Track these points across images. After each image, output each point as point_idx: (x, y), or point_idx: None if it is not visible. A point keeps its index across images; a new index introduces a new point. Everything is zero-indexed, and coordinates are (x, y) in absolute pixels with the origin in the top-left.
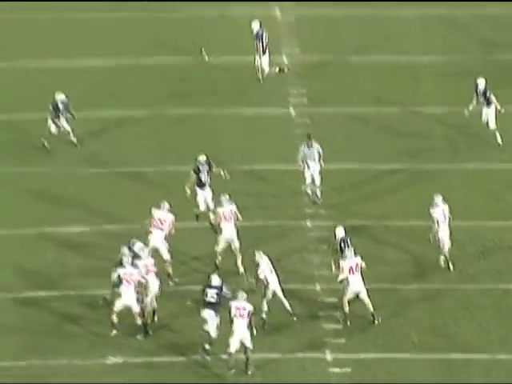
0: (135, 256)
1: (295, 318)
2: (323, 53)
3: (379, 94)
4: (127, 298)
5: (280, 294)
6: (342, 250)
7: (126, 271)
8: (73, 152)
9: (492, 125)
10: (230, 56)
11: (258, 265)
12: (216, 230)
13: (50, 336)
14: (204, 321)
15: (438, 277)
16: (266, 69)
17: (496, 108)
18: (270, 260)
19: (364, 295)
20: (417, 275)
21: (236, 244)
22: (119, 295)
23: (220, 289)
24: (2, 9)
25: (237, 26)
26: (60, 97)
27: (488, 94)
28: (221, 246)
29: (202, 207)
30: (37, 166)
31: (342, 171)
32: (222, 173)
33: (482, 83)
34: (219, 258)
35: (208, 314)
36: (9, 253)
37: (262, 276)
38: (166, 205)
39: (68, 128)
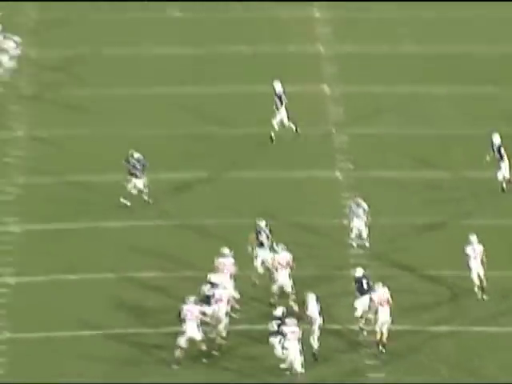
0: (213, 286)
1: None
2: (366, 126)
3: (415, 160)
4: (190, 331)
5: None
6: (360, 290)
7: (189, 308)
8: (148, 208)
9: (506, 176)
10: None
11: (307, 305)
12: (272, 274)
13: (131, 365)
14: (273, 346)
15: (467, 320)
16: (286, 123)
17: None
18: (318, 302)
19: (387, 327)
20: (448, 318)
21: (289, 289)
22: (182, 332)
23: (282, 319)
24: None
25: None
26: (136, 156)
27: (502, 150)
28: (275, 289)
29: (260, 270)
30: (117, 221)
31: (384, 226)
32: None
33: (497, 139)
34: (275, 297)
35: (274, 340)
36: (94, 295)
37: (310, 315)
38: (227, 251)
39: (142, 187)
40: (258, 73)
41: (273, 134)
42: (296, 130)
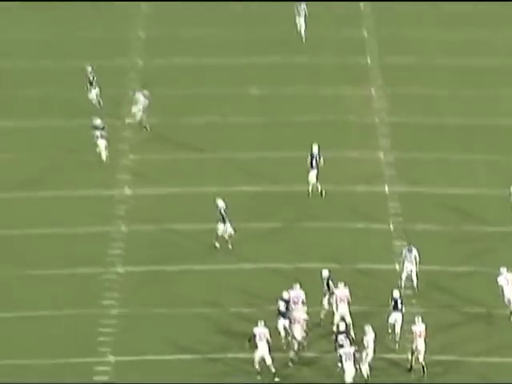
0: (286, 302)
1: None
2: (416, 186)
3: (458, 215)
4: (261, 350)
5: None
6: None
7: (260, 330)
8: (231, 253)
9: None
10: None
11: (366, 334)
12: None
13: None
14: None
15: (498, 353)
16: (313, 180)
17: None
18: (375, 333)
19: (422, 355)
20: (483, 351)
21: (348, 319)
22: (256, 348)
23: (346, 333)
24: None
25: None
26: (221, 204)
27: None
28: (336, 320)
29: (326, 306)
30: (205, 264)
31: (430, 271)
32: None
33: None
34: (337, 326)
35: (343, 352)
36: (187, 325)
37: (366, 343)
38: (297, 286)
39: (229, 233)
40: (323, 139)
41: (310, 191)
42: (321, 193)
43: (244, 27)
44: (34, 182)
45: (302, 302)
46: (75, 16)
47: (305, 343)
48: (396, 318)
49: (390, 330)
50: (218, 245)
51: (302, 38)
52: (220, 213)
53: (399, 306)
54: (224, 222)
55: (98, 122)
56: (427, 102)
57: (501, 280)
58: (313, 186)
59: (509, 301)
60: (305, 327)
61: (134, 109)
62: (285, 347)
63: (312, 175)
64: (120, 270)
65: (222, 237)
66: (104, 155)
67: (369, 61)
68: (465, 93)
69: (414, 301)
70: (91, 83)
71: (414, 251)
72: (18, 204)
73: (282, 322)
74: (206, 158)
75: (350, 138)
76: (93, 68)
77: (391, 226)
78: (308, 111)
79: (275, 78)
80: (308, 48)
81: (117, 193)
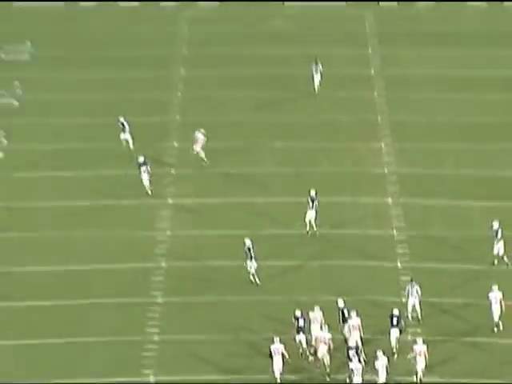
0: (298, 319)
1: None
2: (422, 228)
3: (459, 255)
4: (276, 364)
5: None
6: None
7: (275, 346)
8: (258, 287)
9: None
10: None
11: (377, 359)
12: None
13: None
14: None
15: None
16: (309, 220)
17: None
18: (385, 357)
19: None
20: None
21: (359, 344)
22: (272, 361)
23: (357, 349)
24: None
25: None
26: (248, 243)
27: None
28: (351, 344)
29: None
30: (235, 295)
31: (433, 303)
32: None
33: None
34: (350, 352)
35: (353, 366)
36: (206, 353)
37: (377, 367)
38: (317, 308)
39: (254, 270)
40: (338, 187)
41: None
42: (315, 233)
43: (263, 88)
44: (86, 222)
45: (322, 322)
46: (123, 79)
47: (328, 362)
48: (395, 332)
49: (392, 344)
50: (252, 279)
51: (315, 94)
52: (247, 251)
53: (396, 322)
54: (251, 259)
55: (141, 159)
56: (429, 155)
57: (491, 296)
58: (310, 225)
59: (494, 315)
60: (331, 345)
61: (196, 147)
62: (301, 357)
63: (308, 216)
64: (160, 300)
65: (250, 272)
66: (148, 188)
67: (379, 118)
68: (463, 147)
69: (418, 330)
70: (123, 129)
71: (416, 286)
72: (75, 242)
73: (299, 337)
74: (232, 202)
75: (362, 185)
76: (124, 118)
77: (399, 264)
78: (323, 163)
79: (297, 133)
80: (324, 107)
81: (158, 233)
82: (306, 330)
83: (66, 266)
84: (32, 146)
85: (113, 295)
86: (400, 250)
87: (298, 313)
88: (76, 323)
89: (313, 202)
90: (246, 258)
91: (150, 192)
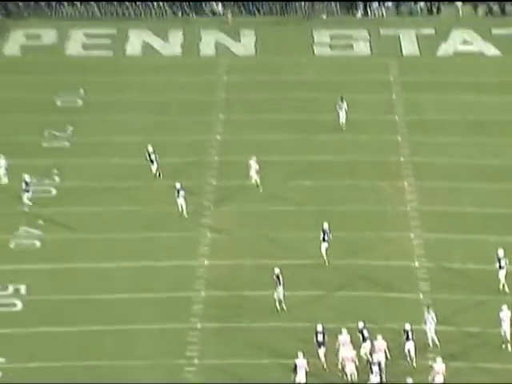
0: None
1: None
2: (439, 260)
3: (475, 285)
4: (300, 377)
5: None
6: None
7: (299, 361)
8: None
9: None
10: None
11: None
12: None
13: None
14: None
15: None
16: (324, 251)
17: None
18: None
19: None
20: None
21: (382, 365)
22: (296, 375)
23: (380, 366)
24: None
25: None
26: (276, 270)
27: None
28: (374, 370)
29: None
30: (264, 322)
31: (448, 331)
32: None
33: None
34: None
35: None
36: (244, 375)
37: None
38: (345, 331)
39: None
40: (363, 223)
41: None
42: (328, 262)
43: (294, 131)
44: (129, 253)
45: (350, 343)
46: (166, 122)
47: (356, 378)
48: (409, 346)
49: (408, 358)
50: (278, 306)
51: (342, 129)
52: (276, 279)
53: (410, 336)
54: (279, 286)
55: (178, 185)
56: (449, 193)
57: (502, 315)
58: (326, 256)
59: (504, 332)
60: (357, 363)
61: (252, 173)
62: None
63: (323, 247)
64: (199, 325)
65: (278, 299)
66: (184, 211)
67: (402, 159)
68: (480, 186)
69: (434, 355)
70: (151, 160)
71: (432, 313)
72: (119, 272)
73: (322, 351)
74: (264, 235)
75: (386, 221)
76: (153, 148)
77: (420, 295)
78: (350, 201)
79: (325, 172)
80: (350, 148)
81: (197, 263)
82: (326, 343)
83: (111, 295)
84: (82, 184)
85: (156, 321)
86: (421, 281)
87: (319, 327)
88: (122, 348)
89: (325, 235)
90: (275, 285)
91: (185, 215)
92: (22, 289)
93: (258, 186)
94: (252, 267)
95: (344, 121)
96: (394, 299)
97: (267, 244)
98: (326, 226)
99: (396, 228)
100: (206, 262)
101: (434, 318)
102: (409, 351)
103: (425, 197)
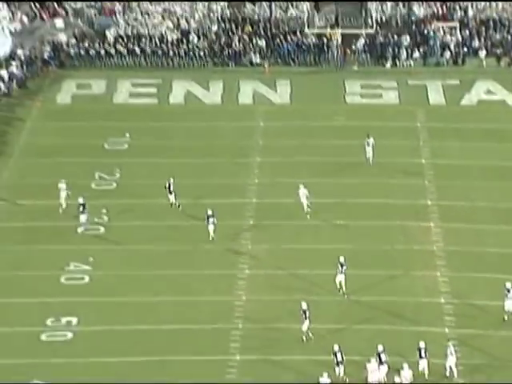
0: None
1: None
2: (463, 297)
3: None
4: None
5: None
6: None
7: (323, 380)
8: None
9: None
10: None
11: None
12: None
13: None
14: None
15: None
16: (339, 282)
17: None
18: None
19: None
20: None
21: None
22: None
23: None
24: None
25: None
26: (303, 305)
27: None
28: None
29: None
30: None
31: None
32: None
33: None
34: None
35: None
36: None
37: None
38: (373, 360)
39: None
40: (392, 262)
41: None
42: (344, 293)
43: (325, 174)
44: (173, 288)
45: (378, 371)
46: (207, 165)
47: None
48: (423, 364)
49: (425, 376)
50: (305, 338)
51: (370, 165)
52: (303, 313)
53: (423, 354)
54: (306, 319)
55: (209, 212)
56: (473, 235)
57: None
58: (340, 287)
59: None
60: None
61: (302, 199)
62: None
63: (338, 278)
64: (238, 357)
65: (304, 331)
66: (211, 236)
67: (429, 202)
68: (503, 228)
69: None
70: (170, 191)
71: (451, 347)
72: (163, 305)
73: (338, 369)
74: (296, 273)
75: (413, 260)
76: (174, 179)
77: (446, 330)
78: (379, 240)
79: (355, 212)
80: (379, 191)
81: (236, 298)
82: (343, 362)
83: (156, 326)
84: (129, 224)
85: (197, 352)
86: (447, 317)
87: (336, 347)
88: (164, 378)
89: (342, 267)
90: (302, 318)
91: (213, 239)
92: (74, 321)
93: (307, 213)
94: (285, 302)
95: (370, 156)
96: (419, 333)
97: (299, 280)
98: (342, 259)
99: (422, 266)
100: (244, 297)
101: (453, 352)
102: (423, 369)
103: (450, 237)
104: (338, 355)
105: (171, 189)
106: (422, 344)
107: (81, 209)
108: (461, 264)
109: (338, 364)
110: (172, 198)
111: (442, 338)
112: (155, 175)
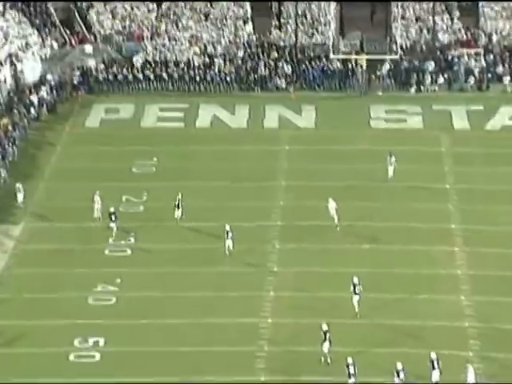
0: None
1: None
2: (488, 321)
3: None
4: None
5: None
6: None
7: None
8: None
9: None
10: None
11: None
12: None
13: None
14: None
15: None
16: (355, 304)
17: None
18: None
19: None
20: None
21: None
22: None
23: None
24: None
25: None
26: (324, 327)
27: None
28: None
29: None
30: None
31: None
32: None
33: None
34: None
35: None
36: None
37: None
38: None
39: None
40: (416, 285)
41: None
42: (357, 314)
43: (349, 198)
44: (198, 311)
45: None
46: (233, 188)
47: None
48: (435, 376)
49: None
50: (323, 359)
51: (392, 181)
52: (324, 334)
53: (436, 365)
54: (326, 341)
55: (228, 227)
56: (497, 259)
57: None
58: (358, 308)
59: None
60: None
61: (332, 211)
62: None
63: (355, 300)
64: (263, 378)
65: (324, 352)
66: (228, 250)
67: (453, 226)
68: None
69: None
70: (178, 206)
71: (471, 369)
72: (189, 328)
73: (350, 381)
74: (319, 296)
75: (437, 284)
76: (182, 195)
77: (471, 353)
78: (404, 264)
79: (379, 237)
80: (404, 216)
81: (261, 321)
82: (356, 375)
83: (182, 348)
84: (156, 246)
85: (222, 374)
86: (471, 341)
87: (349, 360)
88: None
89: (355, 287)
90: (323, 340)
91: (228, 253)
92: (101, 341)
93: (337, 225)
94: (309, 324)
95: (392, 174)
96: (442, 356)
97: (323, 303)
98: (355, 279)
99: (447, 291)
100: (269, 320)
101: (473, 374)
102: (436, 381)
103: (474, 262)
104: (351, 368)
105: (179, 205)
106: (433, 355)
107: (113, 217)
108: (485, 288)
109: (350, 376)
110: (178, 213)
111: (465, 362)
112: (183, 198)
